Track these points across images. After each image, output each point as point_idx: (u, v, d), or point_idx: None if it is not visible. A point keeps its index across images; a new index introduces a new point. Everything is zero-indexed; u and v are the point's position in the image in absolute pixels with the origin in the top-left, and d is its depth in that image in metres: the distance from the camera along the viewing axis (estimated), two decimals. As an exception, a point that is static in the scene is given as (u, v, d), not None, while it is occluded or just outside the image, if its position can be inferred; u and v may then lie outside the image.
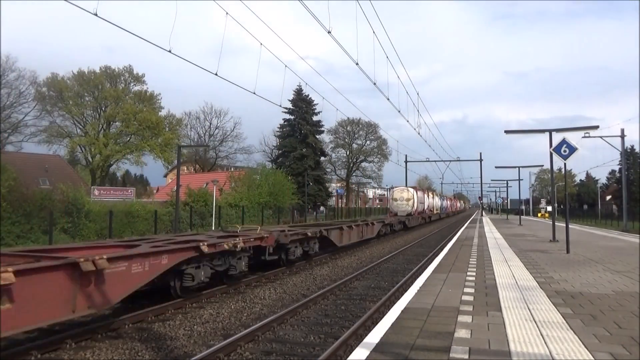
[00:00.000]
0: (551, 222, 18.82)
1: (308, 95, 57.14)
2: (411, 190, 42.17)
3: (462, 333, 5.19)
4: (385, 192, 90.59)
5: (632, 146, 69.77)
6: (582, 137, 32.15)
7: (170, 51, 9.99)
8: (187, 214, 28.58)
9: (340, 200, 70.65)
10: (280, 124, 58.29)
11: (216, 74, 11.79)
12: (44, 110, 51.26)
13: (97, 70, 55.67)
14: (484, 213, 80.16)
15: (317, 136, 59.27)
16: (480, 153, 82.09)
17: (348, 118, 64.59)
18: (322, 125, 60.15)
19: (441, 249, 18.33)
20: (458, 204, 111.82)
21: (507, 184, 55.37)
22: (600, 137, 35.44)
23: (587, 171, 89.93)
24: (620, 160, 41.39)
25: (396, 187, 44.61)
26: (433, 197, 55.43)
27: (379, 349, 4.71)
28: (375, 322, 6.71)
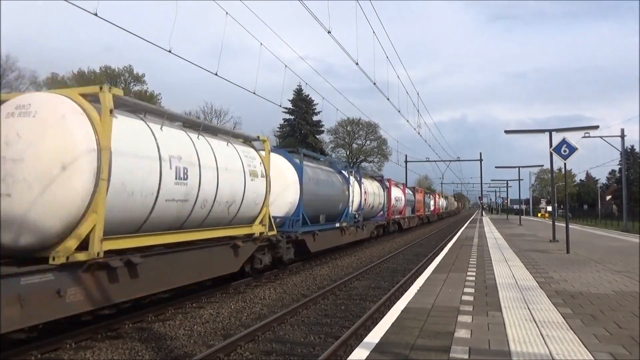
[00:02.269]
0: (551, 222, 18.82)
1: (308, 95, 57.18)
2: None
3: (462, 333, 5.19)
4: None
5: (632, 146, 69.88)
6: (582, 137, 32.21)
7: (170, 51, 9.96)
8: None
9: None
10: (280, 124, 58.34)
11: (216, 74, 11.75)
12: (44, 110, 51.25)
13: (97, 70, 55.72)
14: (484, 213, 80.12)
15: (317, 136, 59.27)
16: (480, 153, 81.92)
17: (348, 118, 64.50)
18: (322, 125, 60.18)
19: (441, 249, 18.33)
20: (440, 203, 62.42)
21: (507, 183, 55.46)
22: (600, 137, 35.50)
23: (587, 171, 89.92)
24: (620, 160, 41.39)
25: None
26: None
27: (379, 349, 4.71)
28: (375, 322, 6.71)
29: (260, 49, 13.06)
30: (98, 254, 6.51)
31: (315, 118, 57.90)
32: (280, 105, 17.55)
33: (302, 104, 56.35)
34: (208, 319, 8.67)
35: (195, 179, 8.67)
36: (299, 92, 55.91)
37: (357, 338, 7.01)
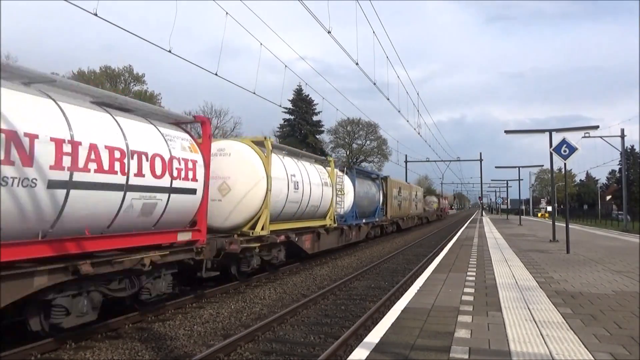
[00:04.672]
0: (551, 222, 18.82)
1: (308, 95, 57.20)
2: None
3: (462, 333, 5.19)
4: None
5: (632, 146, 69.93)
6: (582, 137, 32.25)
7: (170, 51, 9.97)
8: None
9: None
10: (280, 124, 58.36)
11: (216, 74, 11.78)
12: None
13: (97, 70, 55.71)
14: (484, 213, 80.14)
15: (317, 136, 59.29)
16: (480, 153, 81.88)
17: (348, 118, 64.49)
18: (322, 125, 60.21)
19: (441, 249, 18.33)
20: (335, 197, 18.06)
21: (507, 184, 55.41)
22: (600, 137, 35.52)
23: (587, 171, 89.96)
24: (620, 160, 41.41)
25: None
26: None
27: (379, 349, 4.71)
28: (375, 322, 6.71)
29: (261, 49, 13.08)
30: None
31: (315, 118, 57.92)
32: (280, 105, 17.57)
33: (302, 104, 56.37)
34: (208, 319, 8.67)
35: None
36: (299, 92, 55.93)
37: (357, 338, 7.01)
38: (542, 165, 52.74)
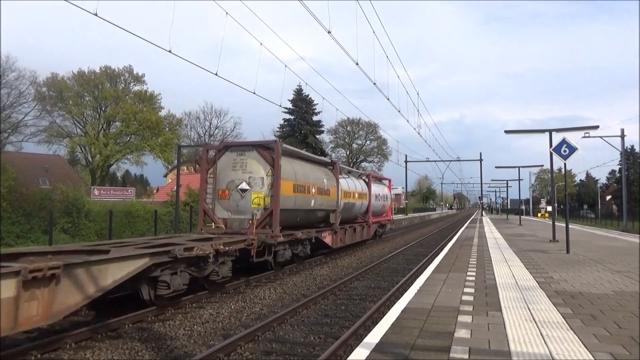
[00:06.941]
0: (551, 222, 18.82)
1: (308, 95, 57.20)
2: None
3: (462, 333, 5.19)
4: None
5: (632, 146, 69.94)
6: (582, 137, 32.25)
7: (170, 51, 9.99)
8: (187, 213, 28.56)
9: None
10: (280, 124, 58.35)
11: (216, 74, 11.81)
12: (44, 110, 51.23)
13: (97, 70, 55.69)
14: (484, 213, 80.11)
15: (317, 136, 59.27)
16: (480, 153, 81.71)
17: (348, 118, 64.51)
18: (322, 125, 60.18)
19: (441, 249, 18.33)
20: None
21: (507, 184, 55.39)
22: (600, 137, 35.52)
23: (587, 171, 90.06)
24: (620, 160, 41.40)
25: None
26: None
27: (379, 349, 4.71)
28: (375, 322, 6.71)
29: (261, 49, 13.09)
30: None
31: (315, 118, 57.92)
32: (280, 105, 17.60)
33: (302, 104, 56.36)
34: (208, 319, 8.67)
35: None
36: (298, 92, 55.94)
37: (357, 338, 7.01)
38: (542, 165, 52.78)
